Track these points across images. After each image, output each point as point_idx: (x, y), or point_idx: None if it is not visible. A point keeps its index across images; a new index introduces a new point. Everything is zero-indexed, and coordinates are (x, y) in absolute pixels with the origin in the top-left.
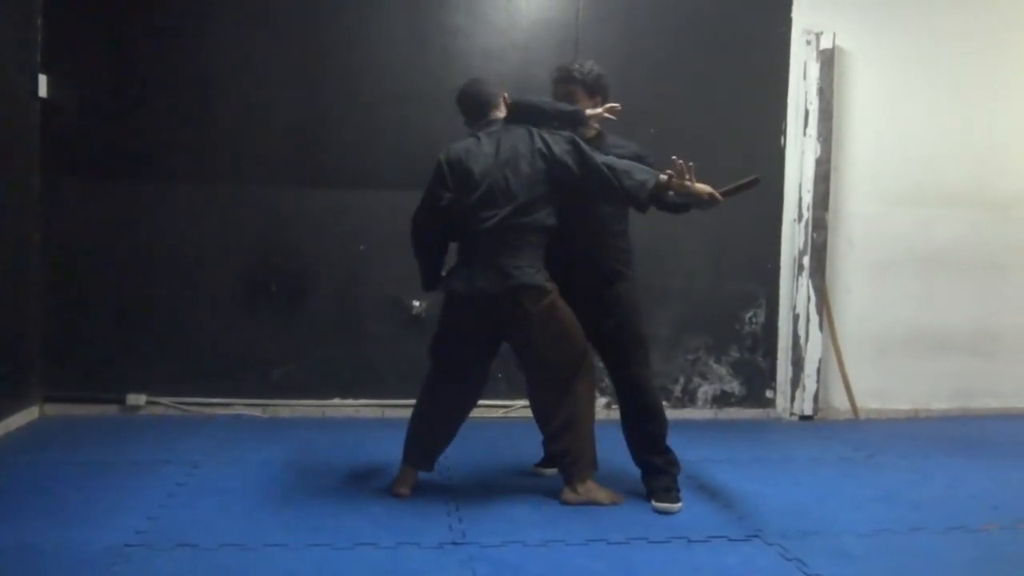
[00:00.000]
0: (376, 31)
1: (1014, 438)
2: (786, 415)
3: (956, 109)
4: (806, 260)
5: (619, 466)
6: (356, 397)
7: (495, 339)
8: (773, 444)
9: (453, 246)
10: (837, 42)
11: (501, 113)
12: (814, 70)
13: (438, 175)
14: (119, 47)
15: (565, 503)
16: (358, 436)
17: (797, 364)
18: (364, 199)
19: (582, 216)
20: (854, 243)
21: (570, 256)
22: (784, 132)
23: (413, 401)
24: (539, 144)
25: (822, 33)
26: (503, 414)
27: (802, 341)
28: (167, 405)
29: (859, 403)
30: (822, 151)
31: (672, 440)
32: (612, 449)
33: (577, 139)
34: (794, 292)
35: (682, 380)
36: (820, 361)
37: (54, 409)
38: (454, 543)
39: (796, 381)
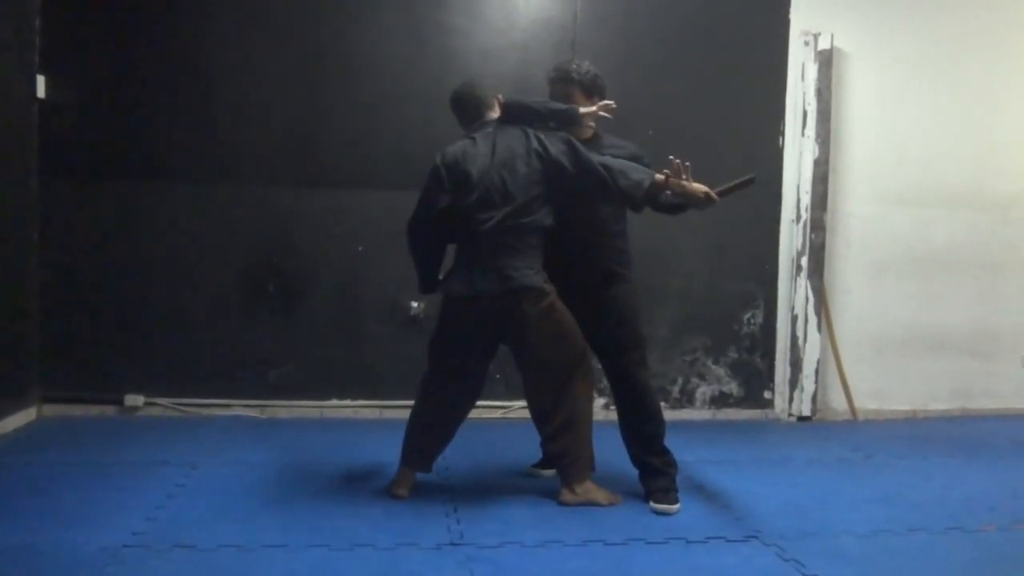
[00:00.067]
0: (375, 31)
1: (1012, 439)
2: (784, 416)
3: (954, 110)
4: (804, 261)
5: (617, 467)
6: (354, 398)
7: (493, 340)
8: (771, 445)
9: (451, 248)
10: (835, 43)
11: (495, 114)
12: (812, 71)
13: (435, 178)
14: (117, 48)
15: (563, 504)
16: (356, 437)
17: (795, 365)
18: (363, 199)
19: (580, 217)
20: (852, 244)
21: (568, 257)
22: (782, 133)
23: (411, 402)
24: (535, 144)
25: (820, 34)
26: (501, 415)
27: (800, 342)
28: (165, 406)
29: (857, 404)
30: (820, 152)
31: (670, 441)
32: (610, 450)
33: (572, 139)
34: (792, 293)
35: (680, 381)
36: (818, 362)
37: (52, 410)
38: (452, 544)
39: (794, 382)
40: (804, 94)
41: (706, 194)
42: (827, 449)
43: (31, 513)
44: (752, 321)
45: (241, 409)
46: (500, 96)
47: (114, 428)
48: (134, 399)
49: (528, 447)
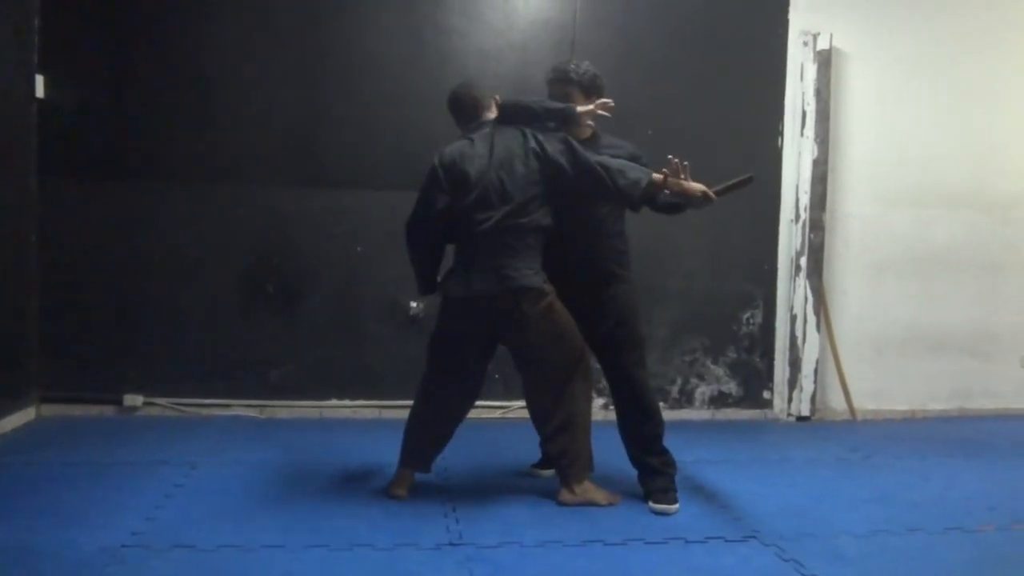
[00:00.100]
0: (374, 32)
1: (1011, 439)
2: (783, 416)
3: (954, 110)
4: (803, 261)
5: (616, 467)
6: (354, 398)
7: (492, 340)
8: (770, 445)
9: (449, 249)
10: (834, 43)
11: (492, 114)
12: (811, 71)
13: (433, 179)
14: (116, 47)
15: (562, 504)
16: (356, 437)
17: (794, 365)
18: (362, 199)
19: (579, 217)
20: (851, 244)
21: (567, 257)
22: (781, 133)
23: (411, 402)
24: (532, 144)
25: (819, 34)
26: (500, 415)
27: (799, 342)
28: (164, 406)
29: (856, 404)
30: (819, 152)
31: (669, 441)
32: (609, 450)
33: (570, 139)
34: (791, 293)
35: (679, 381)
36: (817, 362)
37: (51, 410)
38: (451, 544)
39: (793, 382)
40: (803, 94)
41: (704, 193)
42: (826, 449)
43: (30, 513)
44: (751, 321)
45: (240, 409)
46: (497, 96)
47: (113, 428)
48: (133, 399)
49: (527, 447)
